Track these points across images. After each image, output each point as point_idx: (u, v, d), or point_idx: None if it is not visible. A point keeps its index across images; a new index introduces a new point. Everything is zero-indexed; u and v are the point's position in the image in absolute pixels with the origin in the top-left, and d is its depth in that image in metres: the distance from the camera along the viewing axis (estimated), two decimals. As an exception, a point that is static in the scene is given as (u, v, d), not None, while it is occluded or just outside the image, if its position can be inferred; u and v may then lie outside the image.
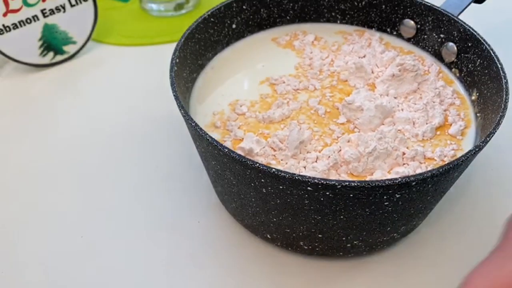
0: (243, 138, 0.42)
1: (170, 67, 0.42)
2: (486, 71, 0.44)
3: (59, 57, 0.65)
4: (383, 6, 0.53)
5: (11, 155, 0.54)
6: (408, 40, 0.53)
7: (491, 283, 0.28)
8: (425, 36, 0.52)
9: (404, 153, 0.41)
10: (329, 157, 0.39)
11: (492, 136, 0.36)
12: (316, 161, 0.40)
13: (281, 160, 0.40)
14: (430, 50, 0.52)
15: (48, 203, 0.49)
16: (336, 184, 0.33)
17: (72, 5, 0.63)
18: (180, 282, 0.43)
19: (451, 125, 0.44)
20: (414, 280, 0.43)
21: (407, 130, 0.43)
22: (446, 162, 0.40)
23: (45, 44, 0.63)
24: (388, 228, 0.40)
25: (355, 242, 0.41)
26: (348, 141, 0.41)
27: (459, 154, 0.42)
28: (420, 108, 0.44)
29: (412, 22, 0.52)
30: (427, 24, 0.51)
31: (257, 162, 0.34)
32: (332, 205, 0.35)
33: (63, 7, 0.62)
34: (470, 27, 0.47)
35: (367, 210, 0.36)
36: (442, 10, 0.49)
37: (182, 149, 0.53)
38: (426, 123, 0.43)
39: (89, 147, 0.54)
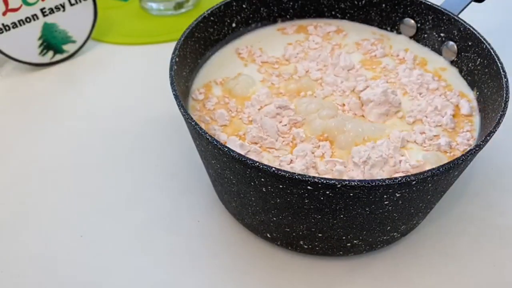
0: (226, 141, 0.42)
1: (170, 66, 0.42)
2: (486, 70, 0.44)
3: (58, 56, 0.65)
4: (383, 5, 0.53)
5: (10, 154, 0.54)
6: (408, 39, 0.53)
7: None
8: (425, 35, 0.51)
9: (400, 161, 0.40)
10: (305, 156, 0.40)
11: (493, 135, 0.36)
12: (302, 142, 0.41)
13: (270, 149, 0.41)
14: (430, 49, 0.52)
15: (48, 202, 0.49)
16: (336, 183, 0.32)
17: (71, 4, 0.63)
18: (180, 282, 0.42)
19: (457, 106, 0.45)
20: (414, 279, 0.43)
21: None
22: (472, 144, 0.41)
23: (44, 43, 0.63)
24: (388, 227, 0.40)
25: (355, 241, 0.40)
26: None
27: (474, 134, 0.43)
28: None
29: (412, 21, 0.52)
30: (427, 23, 0.51)
31: (257, 161, 0.34)
32: (332, 204, 0.35)
33: (63, 6, 0.62)
34: (470, 26, 0.47)
35: (367, 209, 0.36)
36: (442, 9, 0.49)
37: (182, 149, 0.53)
38: (443, 116, 0.44)
39: (88, 146, 0.54)
